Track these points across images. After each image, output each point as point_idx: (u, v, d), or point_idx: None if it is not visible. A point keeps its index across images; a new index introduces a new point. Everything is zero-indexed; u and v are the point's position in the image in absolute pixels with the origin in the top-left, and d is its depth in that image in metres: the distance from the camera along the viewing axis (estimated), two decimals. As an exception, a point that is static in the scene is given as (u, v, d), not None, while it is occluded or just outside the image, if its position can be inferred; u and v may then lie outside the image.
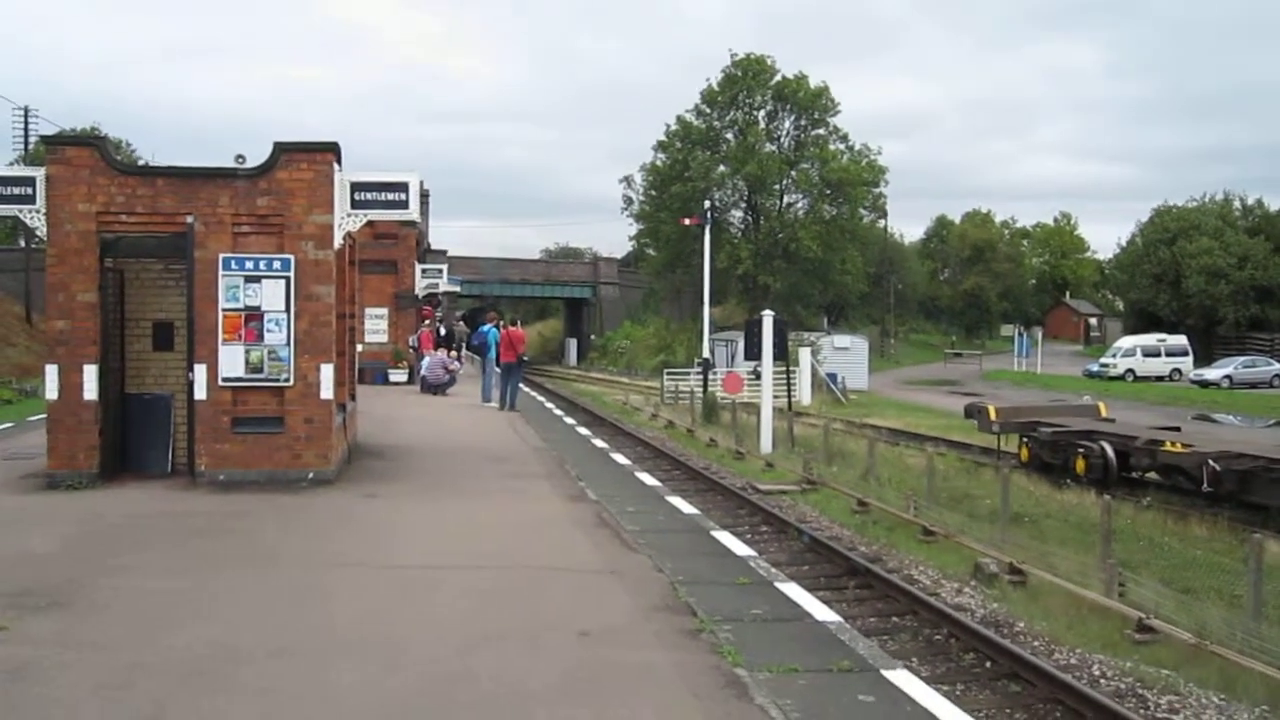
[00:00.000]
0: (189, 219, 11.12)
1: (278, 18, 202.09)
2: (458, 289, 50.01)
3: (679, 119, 59.82)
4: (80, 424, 11.00)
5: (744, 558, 9.73)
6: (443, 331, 32.70)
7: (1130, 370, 49.28)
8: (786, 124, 59.47)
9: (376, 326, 29.24)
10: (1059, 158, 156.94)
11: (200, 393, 11.17)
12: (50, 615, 6.50)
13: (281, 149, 11.29)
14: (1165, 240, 60.25)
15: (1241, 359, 47.84)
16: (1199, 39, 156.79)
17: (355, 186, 11.68)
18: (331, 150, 11.46)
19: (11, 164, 38.13)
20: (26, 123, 45.59)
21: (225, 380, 11.17)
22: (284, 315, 11.25)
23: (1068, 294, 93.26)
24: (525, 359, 24.14)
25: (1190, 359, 50.15)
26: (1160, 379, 48.48)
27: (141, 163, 34.96)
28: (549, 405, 29.30)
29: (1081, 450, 16.89)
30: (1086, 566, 10.30)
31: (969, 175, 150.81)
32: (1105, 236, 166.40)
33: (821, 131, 58.80)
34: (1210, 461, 14.25)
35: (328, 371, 11.42)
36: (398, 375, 28.01)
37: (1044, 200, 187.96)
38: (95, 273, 11.04)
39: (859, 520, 13.87)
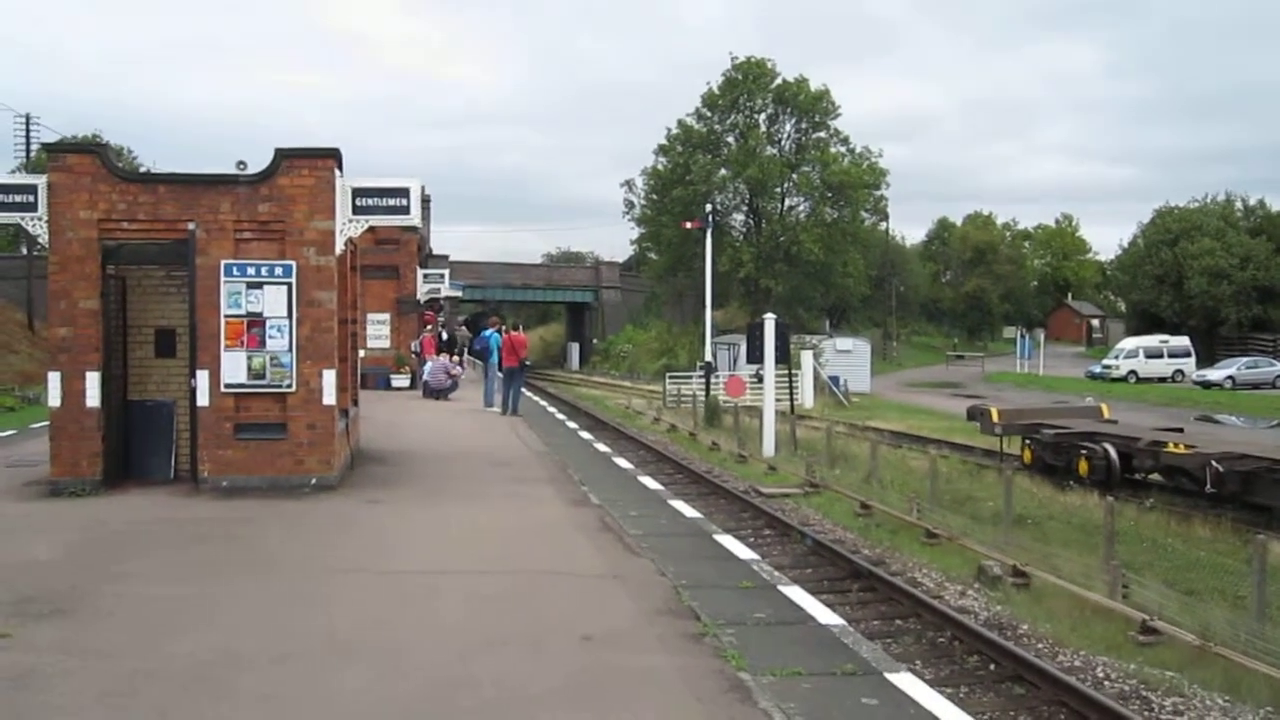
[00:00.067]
0: (191, 226, 11.13)
1: (276, 25, 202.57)
2: (459, 294, 50.08)
3: (680, 123, 60.03)
4: (83, 431, 11.01)
5: (747, 561, 9.71)
6: (445, 336, 32.76)
7: (1133, 372, 49.21)
8: (787, 127, 59.64)
9: (379, 332, 29.29)
10: (1060, 159, 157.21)
11: (203, 399, 11.18)
12: (53, 622, 6.51)
13: (283, 155, 11.30)
14: (1167, 241, 60.25)
15: (1244, 360, 47.76)
16: (1199, 39, 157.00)
17: (357, 192, 11.69)
18: (333, 156, 11.47)
19: (13, 171, 38.20)
20: (28, 130, 45.74)
21: (227, 386, 11.19)
22: (286, 321, 11.26)
23: (1070, 295, 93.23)
24: (527, 363, 24.15)
25: (1193, 360, 50.08)
26: (1163, 380, 48.42)
27: (143, 170, 35.08)
28: (551, 410, 29.29)
29: (1084, 452, 16.87)
30: (1090, 568, 10.29)
31: (970, 177, 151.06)
32: (1107, 238, 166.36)
33: (822, 134, 58.97)
34: (1213, 463, 14.24)
35: (330, 377, 11.43)
36: (400, 380, 28.04)
37: (1045, 202, 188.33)
38: (97, 280, 11.06)
39: (862, 523, 13.86)
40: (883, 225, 68.58)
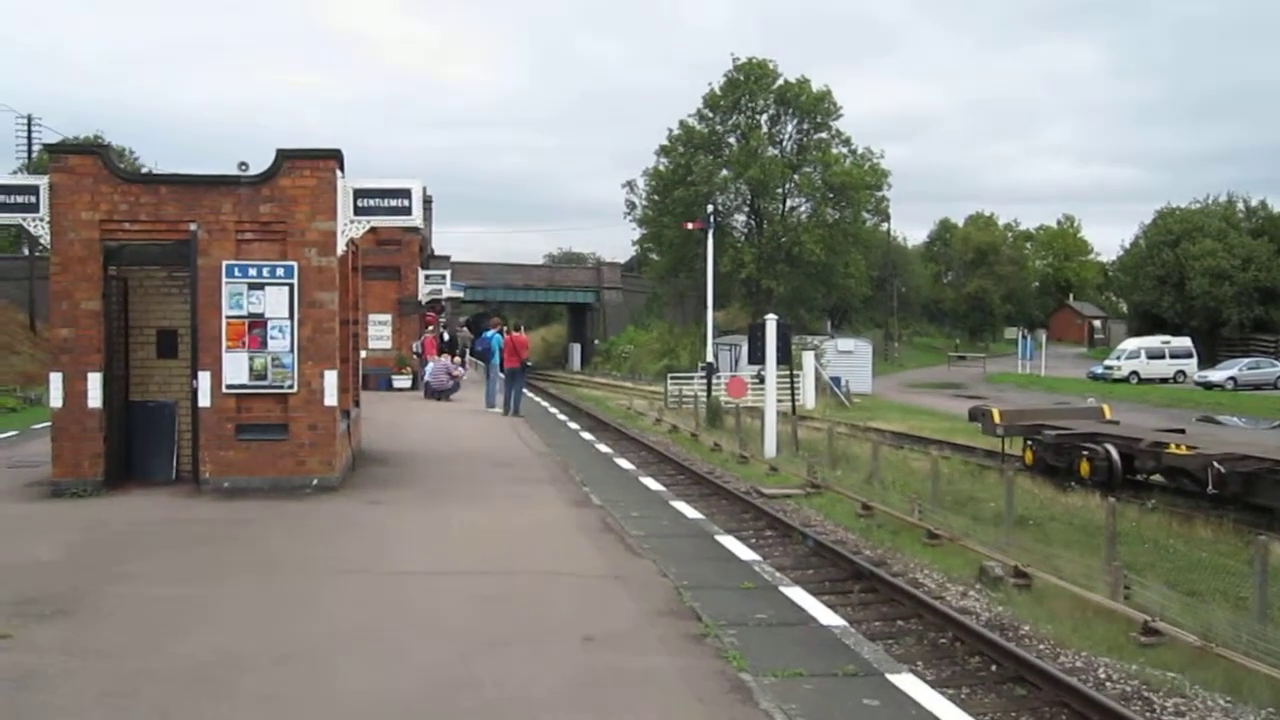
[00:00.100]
0: (192, 226, 11.14)
1: (276, 25, 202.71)
2: (461, 295, 50.11)
3: (681, 123, 60.05)
4: (85, 432, 11.02)
5: (748, 562, 9.72)
6: (446, 337, 32.79)
7: (1134, 372, 49.17)
8: (789, 128, 59.65)
9: (380, 332, 29.32)
10: (1061, 160, 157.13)
11: (204, 400, 11.18)
12: (55, 623, 6.51)
13: (284, 156, 11.31)
14: (1169, 242, 60.27)
15: (1246, 361, 47.74)
16: (1200, 39, 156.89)
17: (358, 193, 11.70)
18: (334, 157, 11.48)
19: (15, 172, 38.23)
20: (30, 131, 45.84)
21: (229, 387, 11.20)
22: (287, 322, 11.26)
23: (1071, 296, 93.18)
24: (529, 364, 24.17)
25: (1194, 361, 50.02)
26: (1164, 381, 48.38)
27: (144, 170, 35.09)
28: (553, 410, 29.31)
29: (1086, 453, 16.86)
30: (1092, 569, 10.28)
31: (971, 178, 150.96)
32: (1108, 239, 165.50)
33: (824, 135, 58.96)
34: (1215, 463, 14.22)
35: (331, 378, 11.43)
36: (401, 381, 28.07)
37: (1047, 202, 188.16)
38: (99, 281, 11.07)
39: (863, 524, 13.85)
40: (884, 226, 68.57)
